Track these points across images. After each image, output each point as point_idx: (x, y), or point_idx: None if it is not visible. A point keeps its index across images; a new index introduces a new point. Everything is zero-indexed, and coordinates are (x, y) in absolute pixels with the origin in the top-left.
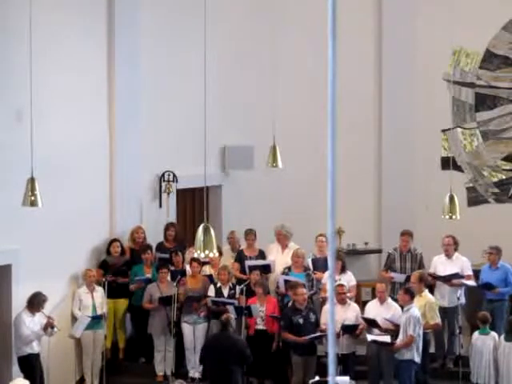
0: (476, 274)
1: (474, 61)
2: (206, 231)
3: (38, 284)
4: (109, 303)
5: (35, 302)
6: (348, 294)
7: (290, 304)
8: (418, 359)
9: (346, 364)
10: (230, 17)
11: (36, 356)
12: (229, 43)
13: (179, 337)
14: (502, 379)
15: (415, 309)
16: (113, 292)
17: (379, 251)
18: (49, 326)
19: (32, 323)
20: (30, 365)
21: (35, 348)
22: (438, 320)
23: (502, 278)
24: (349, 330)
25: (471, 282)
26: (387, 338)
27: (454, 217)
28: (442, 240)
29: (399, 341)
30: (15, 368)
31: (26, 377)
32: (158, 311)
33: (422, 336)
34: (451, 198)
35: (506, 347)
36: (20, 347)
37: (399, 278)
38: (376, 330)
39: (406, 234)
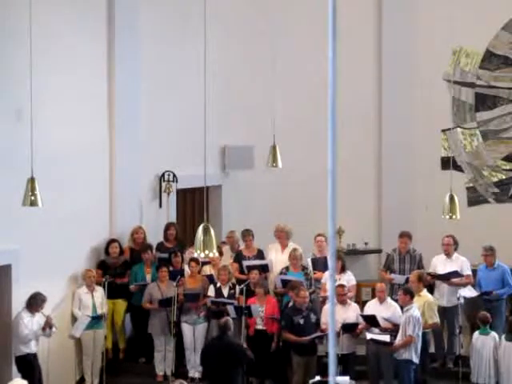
0: (475, 274)
1: (474, 61)
2: (206, 231)
3: (38, 284)
4: (108, 304)
5: (34, 303)
6: (348, 294)
7: (290, 304)
8: (416, 359)
9: (346, 364)
10: (230, 17)
11: (33, 356)
12: (229, 43)
13: (179, 337)
14: (502, 379)
15: (416, 309)
16: (112, 292)
17: (379, 251)
18: (47, 326)
19: (31, 323)
20: (28, 365)
21: (33, 348)
22: (437, 320)
23: (499, 278)
24: (349, 328)
25: (470, 293)
26: (386, 338)
27: (454, 217)
28: (441, 240)
29: (398, 340)
30: (15, 368)
31: (24, 377)
32: (158, 311)
33: (420, 336)
34: (451, 198)
35: (506, 347)
36: (18, 347)
37: (399, 279)
38: (376, 330)
39: (405, 236)
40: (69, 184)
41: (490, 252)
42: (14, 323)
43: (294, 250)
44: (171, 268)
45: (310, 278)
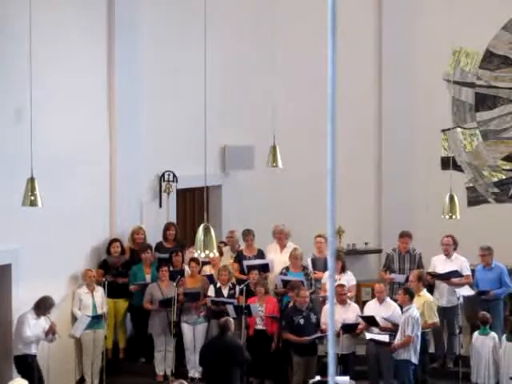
0: (473, 274)
1: (474, 61)
2: (206, 231)
3: (37, 284)
4: (109, 303)
5: (42, 306)
6: (348, 294)
7: (290, 304)
8: (414, 360)
9: (346, 364)
10: (230, 17)
11: (32, 357)
12: (229, 43)
13: (179, 337)
14: (503, 379)
15: (415, 309)
16: (113, 292)
17: (379, 251)
18: (51, 332)
19: (35, 326)
20: (26, 365)
21: (33, 350)
22: (436, 319)
23: (496, 278)
24: (348, 329)
25: (468, 292)
26: (385, 338)
27: (453, 217)
28: (441, 240)
29: (397, 341)
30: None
31: (22, 377)
32: (158, 311)
33: (419, 337)
34: (451, 198)
35: (507, 347)
36: (17, 346)
37: (399, 278)
38: (375, 329)
39: (406, 236)
40: (69, 184)
41: (487, 252)
42: (17, 323)
43: (295, 249)
44: (171, 268)
45: (310, 278)
